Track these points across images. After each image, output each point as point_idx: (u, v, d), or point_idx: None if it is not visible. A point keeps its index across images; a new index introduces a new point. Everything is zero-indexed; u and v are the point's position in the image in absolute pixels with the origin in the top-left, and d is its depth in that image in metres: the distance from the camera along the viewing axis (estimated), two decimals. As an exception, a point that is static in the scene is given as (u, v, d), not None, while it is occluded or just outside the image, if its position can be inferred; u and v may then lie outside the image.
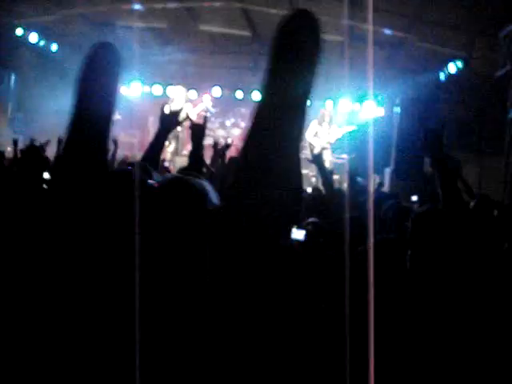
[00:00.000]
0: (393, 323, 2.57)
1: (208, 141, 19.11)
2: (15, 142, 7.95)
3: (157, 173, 2.33)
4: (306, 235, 3.97)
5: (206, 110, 16.35)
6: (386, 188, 12.10)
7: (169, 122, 3.48)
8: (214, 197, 1.93)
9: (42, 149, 7.22)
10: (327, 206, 5.25)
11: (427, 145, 3.38)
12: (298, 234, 3.97)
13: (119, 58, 2.09)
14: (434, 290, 2.54)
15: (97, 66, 2.07)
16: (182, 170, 3.81)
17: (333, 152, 15.00)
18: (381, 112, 16.12)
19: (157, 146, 3.45)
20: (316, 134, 14.45)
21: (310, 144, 14.31)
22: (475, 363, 2.37)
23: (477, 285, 2.57)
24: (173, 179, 1.99)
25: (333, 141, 14.45)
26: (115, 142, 8.11)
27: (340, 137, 14.48)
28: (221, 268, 1.63)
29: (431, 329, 2.44)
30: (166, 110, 3.53)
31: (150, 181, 2.09)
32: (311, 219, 4.27)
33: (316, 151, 13.54)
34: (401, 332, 2.49)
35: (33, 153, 5.16)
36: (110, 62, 2.08)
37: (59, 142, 7.30)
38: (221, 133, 17.85)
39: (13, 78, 14.11)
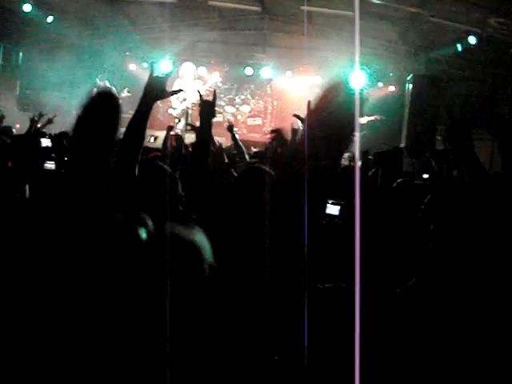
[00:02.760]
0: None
1: (217, 118, 18.96)
2: (32, 120, 7.82)
3: (150, 223, 2.18)
4: (341, 210, 3.90)
5: (216, 87, 16.23)
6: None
7: (155, 89, 3.00)
8: (207, 252, 1.86)
9: (34, 122, 7.18)
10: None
11: (454, 136, 3.27)
12: (332, 209, 3.91)
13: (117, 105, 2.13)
14: (459, 263, 2.47)
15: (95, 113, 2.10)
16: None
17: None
18: (392, 89, 15.92)
19: (140, 119, 2.94)
20: None
21: None
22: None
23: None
24: (165, 236, 1.86)
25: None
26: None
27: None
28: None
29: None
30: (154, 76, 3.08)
31: (142, 234, 1.98)
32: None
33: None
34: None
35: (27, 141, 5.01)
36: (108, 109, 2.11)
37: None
38: (230, 109, 17.75)
39: (20, 55, 14.03)
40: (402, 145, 12.91)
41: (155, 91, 2.96)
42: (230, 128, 6.87)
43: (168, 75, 3.07)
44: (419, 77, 13.65)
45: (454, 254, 2.48)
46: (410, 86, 13.78)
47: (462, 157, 3.20)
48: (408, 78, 14.22)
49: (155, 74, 3.03)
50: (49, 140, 6.11)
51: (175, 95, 13.45)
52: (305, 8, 13.75)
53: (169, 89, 3.16)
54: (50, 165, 4.30)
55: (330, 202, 3.94)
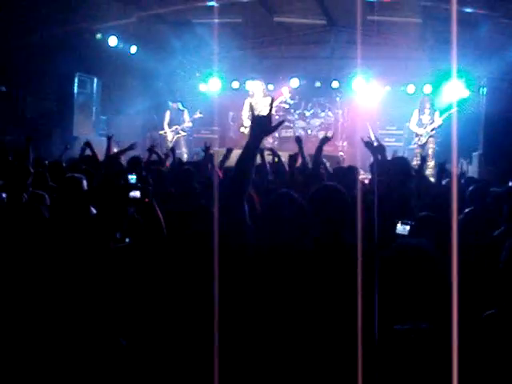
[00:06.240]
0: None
1: (288, 133, 18.82)
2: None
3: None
4: (410, 230, 3.84)
5: (285, 102, 16.24)
6: (474, 173, 11.65)
7: (259, 128, 3.08)
8: None
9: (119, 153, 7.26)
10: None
11: None
12: (402, 229, 3.87)
13: None
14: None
15: None
16: None
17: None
18: (466, 93, 15.50)
19: (248, 157, 3.07)
20: (420, 123, 14.19)
21: (417, 134, 14.11)
22: None
23: None
24: None
25: (437, 127, 14.04)
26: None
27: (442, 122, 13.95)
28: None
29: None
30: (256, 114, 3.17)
31: None
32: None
33: (423, 141, 13.70)
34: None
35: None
36: None
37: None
38: (301, 124, 17.70)
39: (95, 81, 14.44)
40: (480, 151, 12.53)
41: (260, 130, 3.08)
42: (298, 139, 7.02)
43: (270, 115, 3.12)
44: (494, 79, 13.23)
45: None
46: (485, 89, 13.37)
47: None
48: (482, 82, 13.81)
49: (257, 115, 3.13)
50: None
51: (245, 114, 13.40)
52: (372, 18, 13.60)
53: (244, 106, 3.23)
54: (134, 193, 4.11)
55: (399, 222, 3.88)
